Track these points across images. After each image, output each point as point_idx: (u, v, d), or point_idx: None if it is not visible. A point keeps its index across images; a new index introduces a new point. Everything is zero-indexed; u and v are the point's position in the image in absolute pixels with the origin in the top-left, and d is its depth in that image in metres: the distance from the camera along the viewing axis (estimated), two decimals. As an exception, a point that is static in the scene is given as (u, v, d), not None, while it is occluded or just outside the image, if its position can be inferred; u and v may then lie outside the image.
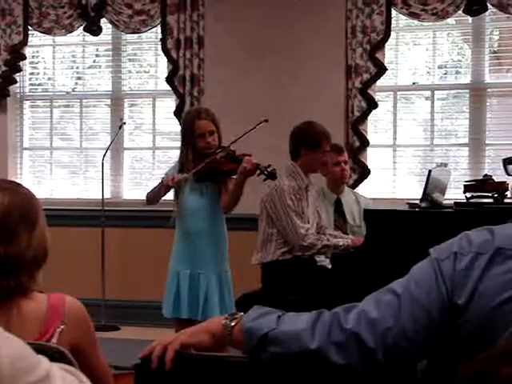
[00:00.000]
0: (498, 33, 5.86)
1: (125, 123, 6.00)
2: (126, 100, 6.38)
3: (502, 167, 4.29)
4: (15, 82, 6.33)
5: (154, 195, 4.04)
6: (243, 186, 3.83)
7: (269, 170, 3.81)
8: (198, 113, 4.02)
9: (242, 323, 1.42)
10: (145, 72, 6.51)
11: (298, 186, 4.18)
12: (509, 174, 4.24)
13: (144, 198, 4.15)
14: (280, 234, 4.14)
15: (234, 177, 3.90)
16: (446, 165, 4.91)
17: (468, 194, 4.44)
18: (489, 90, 5.68)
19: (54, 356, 1.41)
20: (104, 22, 6.14)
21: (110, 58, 6.38)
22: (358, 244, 4.14)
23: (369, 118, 5.65)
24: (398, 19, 5.73)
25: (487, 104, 5.67)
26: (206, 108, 4.14)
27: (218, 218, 3.99)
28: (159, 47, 6.04)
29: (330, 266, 4.40)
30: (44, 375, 1.12)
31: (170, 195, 4.05)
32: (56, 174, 6.58)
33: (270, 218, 4.17)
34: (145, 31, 6.10)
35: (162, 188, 3.96)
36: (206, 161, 3.84)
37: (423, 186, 4.27)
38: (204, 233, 3.92)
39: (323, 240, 4.13)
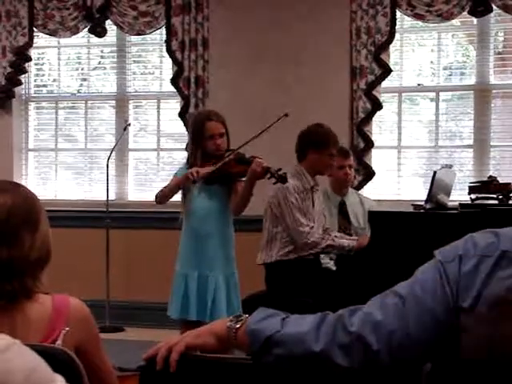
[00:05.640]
0: (502, 34, 5.85)
1: (129, 124, 6.02)
2: (130, 101, 6.38)
3: (506, 168, 4.30)
4: (20, 83, 6.34)
5: (167, 192, 3.93)
6: (253, 188, 3.82)
7: (279, 173, 3.80)
8: (208, 114, 4.00)
9: (246, 325, 1.42)
10: (149, 73, 6.52)
11: (303, 187, 4.20)
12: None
13: (148, 199, 4.13)
14: (285, 232, 4.16)
15: (244, 179, 3.89)
16: (450, 166, 4.91)
17: (473, 196, 4.44)
18: (494, 91, 5.67)
19: (60, 358, 1.41)
20: (109, 24, 6.15)
21: (115, 59, 6.39)
22: (363, 245, 4.14)
23: (373, 119, 5.65)
24: (403, 20, 5.73)
25: (492, 105, 5.66)
26: (215, 111, 4.09)
27: (226, 220, 3.98)
28: (164, 49, 6.04)
29: (334, 268, 4.40)
30: None
31: (177, 197, 4.02)
32: (61, 176, 6.59)
33: (274, 217, 4.19)
34: (149, 33, 6.10)
35: (181, 181, 3.86)
36: (217, 164, 3.81)
37: (428, 188, 4.26)
38: (213, 235, 3.90)
39: (327, 239, 4.14)
